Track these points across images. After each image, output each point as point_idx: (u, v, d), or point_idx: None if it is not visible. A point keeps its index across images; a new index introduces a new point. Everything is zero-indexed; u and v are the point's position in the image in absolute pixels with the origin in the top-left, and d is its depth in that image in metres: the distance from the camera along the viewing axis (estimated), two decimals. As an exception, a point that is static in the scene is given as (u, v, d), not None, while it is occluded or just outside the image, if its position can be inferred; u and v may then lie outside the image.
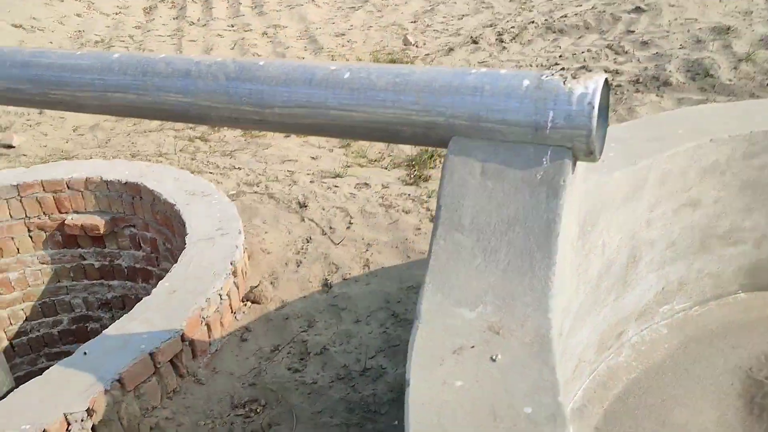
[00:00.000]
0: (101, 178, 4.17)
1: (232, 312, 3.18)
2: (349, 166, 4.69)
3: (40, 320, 4.62)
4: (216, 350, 3.01)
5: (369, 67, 1.79)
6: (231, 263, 3.17)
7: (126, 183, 4.11)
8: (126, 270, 4.46)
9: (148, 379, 2.62)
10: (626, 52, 5.87)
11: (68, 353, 4.81)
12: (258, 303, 3.27)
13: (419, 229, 3.72)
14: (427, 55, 7.20)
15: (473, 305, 1.58)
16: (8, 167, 5.14)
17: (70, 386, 2.44)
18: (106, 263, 4.46)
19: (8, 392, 3.51)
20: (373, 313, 3.17)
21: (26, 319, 4.59)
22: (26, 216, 4.30)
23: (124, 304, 4.61)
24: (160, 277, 4.35)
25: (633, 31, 6.48)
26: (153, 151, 5.20)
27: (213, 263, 3.17)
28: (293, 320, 3.16)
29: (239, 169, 4.74)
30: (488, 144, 1.66)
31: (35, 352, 4.69)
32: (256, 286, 3.33)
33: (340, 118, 1.79)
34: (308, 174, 4.59)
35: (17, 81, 2.24)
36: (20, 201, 4.23)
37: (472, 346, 1.48)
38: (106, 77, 2.08)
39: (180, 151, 5.18)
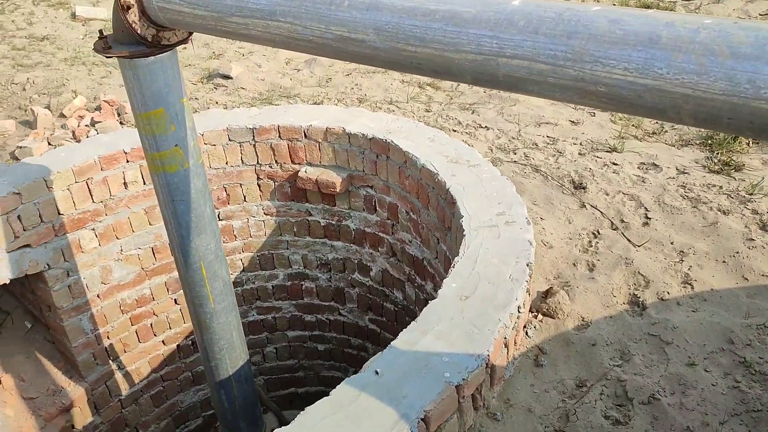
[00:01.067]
0: (343, 130, 3.66)
1: (523, 327, 2.56)
2: (623, 138, 3.85)
3: (256, 272, 4.32)
4: (510, 376, 2.42)
5: None
6: (527, 265, 2.53)
7: (372, 138, 3.57)
8: (353, 232, 4.00)
9: (450, 417, 2.07)
10: None
11: (278, 309, 4.52)
12: (552, 317, 2.62)
13: (752, 240, 2.87)
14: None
15: None
16: (229, 101, 4.81)
17: (367, 419, 1.94)
18: (333, 222, 4.02)
19: (242, 365, 3.19)
20: (712, 355, 2.42)
21: (243, 270, 4.31)
22: (258, 163, 3.92)
23: (344, 267, 4.18)
24: (393, 247, 3.85)
25: None
26: (381, 97, 4.64)
27: (505, 262, 2.54)
28: (601, 348, 2.49)
29: (486, 128, 4.06)
30: None
31: (247, 304, 4.43)
32: (546, 294, 2.69)
33: None
34: (574, 143, 3.82)
35: (360, 29, 1.65)
36: (254, 146, 3.84)
37: None
38: (502, 35, 1.43)
39: (412, 99, 4.57)
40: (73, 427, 3.91)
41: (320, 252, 4.18)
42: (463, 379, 2.06)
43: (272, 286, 4.38)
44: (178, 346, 4.34)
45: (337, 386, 2.07)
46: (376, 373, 2.10)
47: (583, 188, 3.34)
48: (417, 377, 2.07)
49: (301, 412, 1.99)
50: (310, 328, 4.52)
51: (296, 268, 4.29)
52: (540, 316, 2.63)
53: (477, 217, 2.83)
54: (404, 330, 2.27)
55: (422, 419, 1.95)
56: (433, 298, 3.65)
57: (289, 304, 4.45)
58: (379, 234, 3.88)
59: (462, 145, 3.40)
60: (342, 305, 4.34)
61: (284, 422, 3.56)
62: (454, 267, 2.56)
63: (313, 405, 2.01)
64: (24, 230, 3.36)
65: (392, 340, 4.23)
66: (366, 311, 4.27)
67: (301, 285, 4.35)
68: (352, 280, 4.19)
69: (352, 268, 4.14)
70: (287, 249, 4.22)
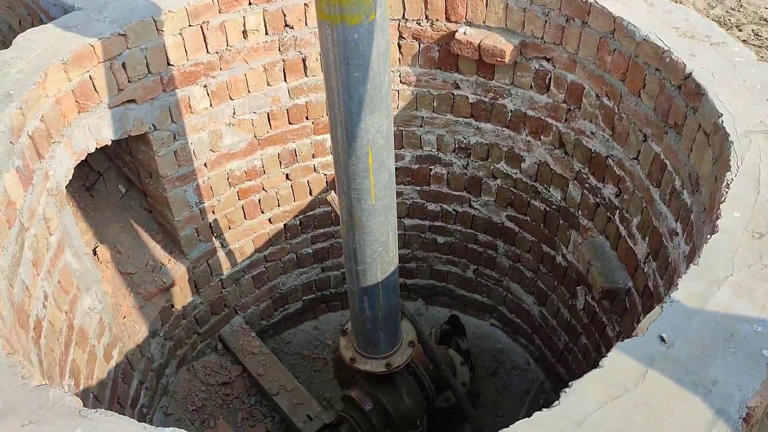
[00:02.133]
0: (526, -18, 2.84)
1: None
2: None
3: (379, 150, 3.67)
4: None
5: None
6: (833, 195, 1.83)
7: (566, -4, 2.75)
8: (510, 114, 3.28)
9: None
10: None
11: (399, 193, 3.87)
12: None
13: None
14: None
15: None
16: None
17: (668, 412, 1.36)
18: (486, 100, 3.29)
19: (392, 272, 2.64)
20: None
21: (364, 146, 3.66)
22: (403, 17, 3.15)
23: (488, 155, 3.51)
24: (563, 137, 3.13)
25: None
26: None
27: (801, 188, 1.85)
28: None
29: (694, -6, 3.16)
30: None
31: (364, 184, 3.83)
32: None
33: None
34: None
35: None
36: (402, -4, 3.06)
37: None
38: None
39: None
40: (172, 306, 3.52)
41: (461, 134, 3.49)
42: (789, 361, 1.46)
43: (396, 167, 3.74)
44: (285, 225, 3.83)
45: (608, 355, 1.48)
46: (662, 340, 1.50)
47: None
48: (723, 353, 1.46)
49: (566, 390, 1.42)
50: (432, 218, 3.95)
51: (428, 149, 3.63)
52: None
53: (742, 118, 2.09)
54: (684, 276, 1.64)
55: (743, 418, 1.37)
56: (613, 205, 3.01)
57: (412, 190, 3.84)
58: (546, 119, 3.15)
59: (694, 14, 2.57)
60: (476, 197, 3.72)
61: (421, 335, 3.08)
62: (729, 188, 1.87)
63: (579, 380, 1.43)
64: (129, 82, 2.74)
65: (533, 241, 3.65)
66: (505, 207, 3.64)
67: (430, 170, 3.72)
68: (495, 170, 3.53)
69: (499, 156, 3.47)
70: (421, 127, 3.54)
